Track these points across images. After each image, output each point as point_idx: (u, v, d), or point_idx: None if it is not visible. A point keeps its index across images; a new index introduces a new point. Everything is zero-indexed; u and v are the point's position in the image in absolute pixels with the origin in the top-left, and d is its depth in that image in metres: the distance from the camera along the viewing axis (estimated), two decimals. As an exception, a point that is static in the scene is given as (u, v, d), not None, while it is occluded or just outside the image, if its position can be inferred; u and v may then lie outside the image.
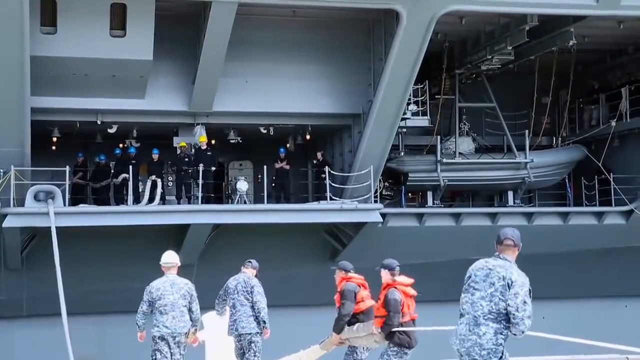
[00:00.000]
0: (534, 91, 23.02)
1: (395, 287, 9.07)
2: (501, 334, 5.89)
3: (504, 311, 5.88)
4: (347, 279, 9.95)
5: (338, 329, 9.74)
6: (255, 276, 11.33)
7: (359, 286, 9.94)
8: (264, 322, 10.91)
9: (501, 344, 5.91)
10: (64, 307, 16.52)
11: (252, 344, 10.85)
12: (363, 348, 9.81)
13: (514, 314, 5.83)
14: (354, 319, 9.73)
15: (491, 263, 6.07)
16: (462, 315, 6.10)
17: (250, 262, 11.32)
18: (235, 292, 10.94)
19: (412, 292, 9.19)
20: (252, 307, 10.88)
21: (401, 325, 8.96)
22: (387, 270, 9.25)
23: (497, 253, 6.14)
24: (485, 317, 5.90)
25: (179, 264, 10.26)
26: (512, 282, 5.90)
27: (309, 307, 22.04)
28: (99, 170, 20.93)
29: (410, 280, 9.24)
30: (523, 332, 5.89)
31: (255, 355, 10.86)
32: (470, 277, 6.13)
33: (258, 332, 10.94)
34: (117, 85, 18.45)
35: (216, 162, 20.88)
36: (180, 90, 19.22)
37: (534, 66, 22.44)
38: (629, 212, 22.10)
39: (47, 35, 17.46)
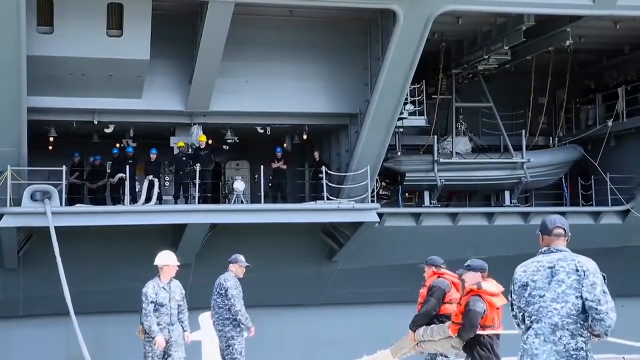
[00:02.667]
0: (530, 91, 23.03)
1: (481, 296, 7.87)
2: (581, 335, 4.92)
3: (582, 309, 4.90)
4: (440, 274, 8.91)
5: (415, 326, 8.61)
6: (245, 269, 11.11)
7: (451, 285, 8.82)
8: (242, 323, 10.83)
9: (582, 349, 4.89)
10: (70, 306, 16.30)
11: (230, 347, 10.80)
12: (441, 357, 8.81)
13: (596, 309, 4.87)
14: (436, 321, 8.64)
15: (545, 260, 5.05)
16: (528, 328, 5.01)
17: (235, 257, 11.18)
18: (214, 293, 10.97)
19: (500, 302, 7.91)
20: (229, 309, 10.79)
21: (482, 338, 7.83)
22: (473, 273, 8.06)
23: (545, 247, 5.14)
24: (564, 322, 4.89)
25: (159, 265, 10.48)
26: (584, 271, 4.92)
27: (306, 307, 22.07)
28: (95, 170, 20.92)
29: (500, 289, 7.99)
30: (610, 328, 4.94)
31: (233, 358, 10.74)
32: (526, 285, 5.03)
33: (234, 335, 10.81)
34: (113, 84, 18.43)
35: (213, 162, 20.88)
36: (177, 90, 19.21)
37: (530, 66, 22.44)
38: (625, 212, 22.14)
39: (43, 35, 17.43)
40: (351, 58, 20.03)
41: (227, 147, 21.43)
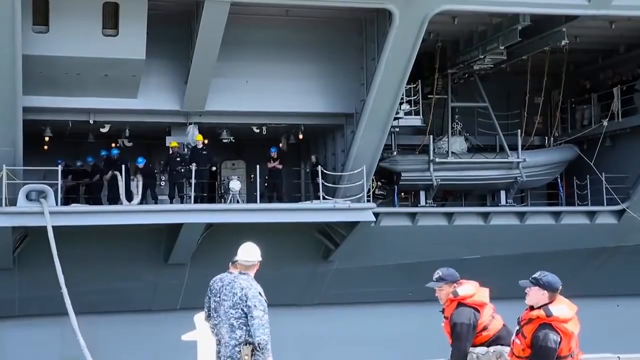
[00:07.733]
0: (526, 91, 23.09)
1: (552, 325, 6.21)
2: None
3: None
4: (459, 300, 7.09)
5: None
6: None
7: (476, 310, 7.13)
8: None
9: None
10: (69, 306, 16.01)
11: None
12: None
13: None
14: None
15: None
16: None
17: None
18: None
19: (577, 328, 6.35)
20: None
21: None
22: (543, 291, 6.29)
23: None
24: None
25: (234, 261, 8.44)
26: None
27: (302, 307, 22.08)
28: (88, 170, 20.98)
29: (574, 308, 6.41)
30: None
31: None
32: None
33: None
34: (109, 84, 18.41)
35: (212, 161, 20.86)
36: (173, 90, 19.20)
37: (526, 66, 22.49)
38: (620, 211, 22.16)
39: (39, 34, 17.40)
40: (347, 58, 20.03)
41: (228, 141, 21.32)
